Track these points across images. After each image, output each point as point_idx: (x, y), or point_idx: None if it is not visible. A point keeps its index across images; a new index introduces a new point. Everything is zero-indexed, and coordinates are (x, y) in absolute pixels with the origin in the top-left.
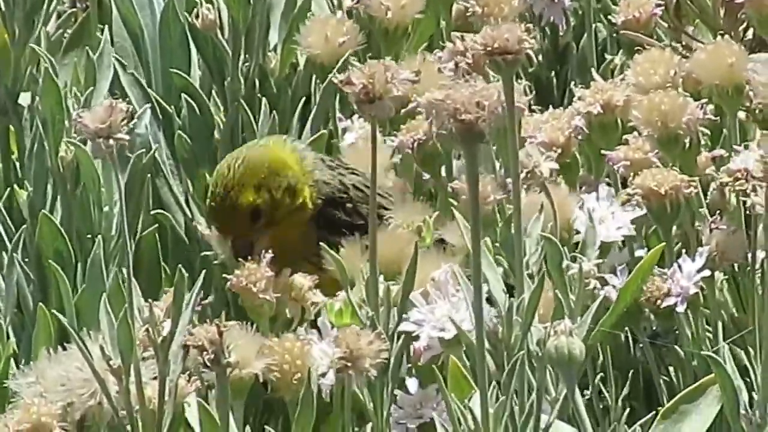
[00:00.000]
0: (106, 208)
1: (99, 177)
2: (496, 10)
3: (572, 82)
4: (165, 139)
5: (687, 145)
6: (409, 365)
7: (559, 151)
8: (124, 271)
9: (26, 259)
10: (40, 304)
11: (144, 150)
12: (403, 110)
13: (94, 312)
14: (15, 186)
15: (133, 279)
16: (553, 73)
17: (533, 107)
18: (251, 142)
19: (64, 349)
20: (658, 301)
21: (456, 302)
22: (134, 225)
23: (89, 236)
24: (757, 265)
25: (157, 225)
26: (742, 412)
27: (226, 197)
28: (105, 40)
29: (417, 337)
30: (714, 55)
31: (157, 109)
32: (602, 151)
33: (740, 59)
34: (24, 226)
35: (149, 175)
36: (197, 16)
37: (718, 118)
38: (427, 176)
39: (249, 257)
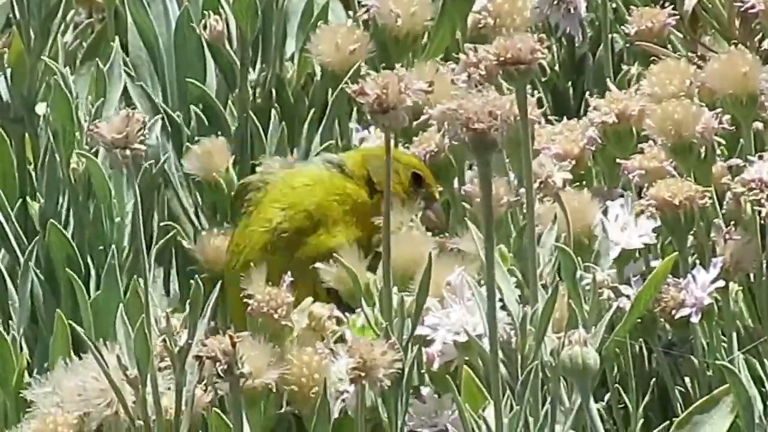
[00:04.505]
0: (117, 219)
1: (110, 188)
2: (508, 21)
3: (589, 92)
4: (174, 150)
5: (702, 154)
6: (423, 372)
7: (573, 162)
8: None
9: (39, 270)
10: (58, 311)
11: (154, 161)
12: (415, 122)
13: (108, 321)
14: (27, 198)
15: (149, 289)
16: (569, 83)
17: (550, 117)
18: None
19: (80, 358)
20: (673, 312)
21: (471, 306)
22: (146, 236)
23: (101, 248)
24: None
25: (170, 235)
26: (757, 421)
27: None
28: (116, 51)
29: (431, 342)
30: (728, 64)
31: (166, 120)
32: (617, 160)
33: (754, 69)
34: (37, 237)
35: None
36: (205, 27)
37: (734, 127)
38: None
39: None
